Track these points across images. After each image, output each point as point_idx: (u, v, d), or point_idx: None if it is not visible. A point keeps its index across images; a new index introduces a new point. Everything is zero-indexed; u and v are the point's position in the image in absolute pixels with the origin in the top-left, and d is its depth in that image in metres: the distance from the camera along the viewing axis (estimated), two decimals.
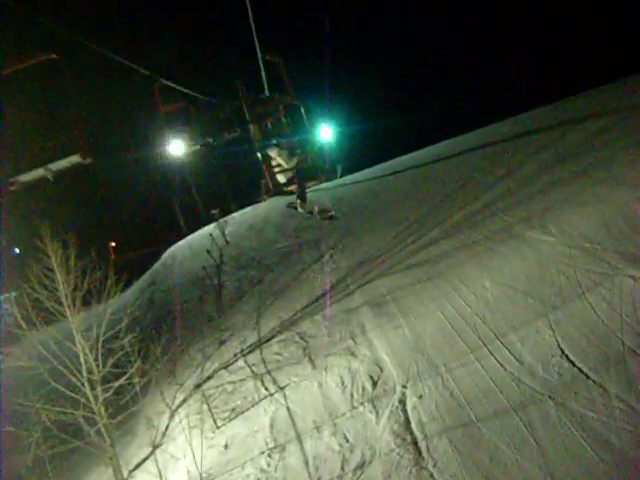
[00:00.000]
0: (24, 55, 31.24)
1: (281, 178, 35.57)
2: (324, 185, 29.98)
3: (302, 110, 35.86)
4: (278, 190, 33.90)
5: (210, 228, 26.20)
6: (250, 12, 25.74)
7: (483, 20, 43.17)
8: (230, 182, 39.91)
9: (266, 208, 26.89)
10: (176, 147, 32.38)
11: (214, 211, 28.43)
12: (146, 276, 25.45)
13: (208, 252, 19.99)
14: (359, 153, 39.33)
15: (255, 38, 25.93)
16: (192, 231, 31.12)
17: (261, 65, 29.48)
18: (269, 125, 35.24)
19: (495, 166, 18.43)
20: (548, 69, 39.51)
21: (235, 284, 17.71)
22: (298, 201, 26.82)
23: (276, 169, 35.52)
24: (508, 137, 22.03)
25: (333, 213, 23.08)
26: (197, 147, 34.14)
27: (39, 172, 30.18)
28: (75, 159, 29.53)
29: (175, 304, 18.49)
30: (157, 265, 25.98)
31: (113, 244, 45.83)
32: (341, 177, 33.08)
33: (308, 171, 36.17)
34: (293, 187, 35.46)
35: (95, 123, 39.04)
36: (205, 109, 35.18)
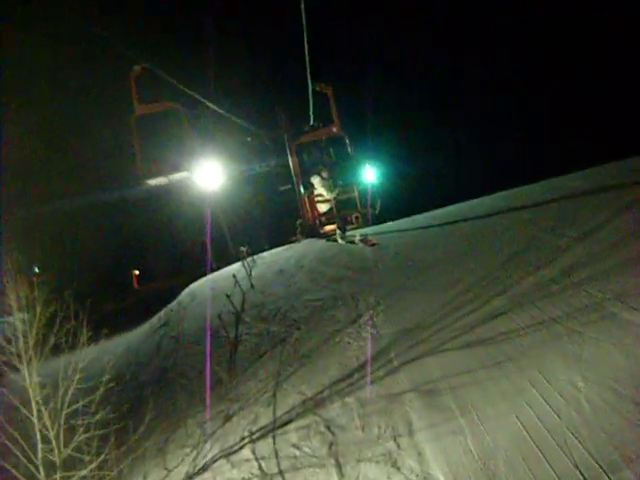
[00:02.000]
0: None
1: (322, 208, 34.31)
2: (362, 230, 27.35)
3: (347, 142, 34.00)
4: (315, 229, 31.84)
5: (236, 267, 23.86)
6: (305, 40, 23.80)
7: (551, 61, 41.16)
8: (264, 217, 38.40)
9: (300, 251, 24.25)
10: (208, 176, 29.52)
11: (243, 248, 26.16)
12: (161, 314, 23.06)
13: (228, 297, 17.38)
14: (404, 198, 37.40)
15: (308, 68, 24.08)
16: (220, 266, 29.13)
17: (310, 95, 27.37)
18: (311, 156, 33.79)
19: (568, 226, 15.57)
20: (618, 122, 36.96)
21: (253, 340, 15.01)
22: (338, 232, 27.25)
23: (318, 198, 34.06)
24: (579, 193, 19.22)
25: (375, 241, 22.56)
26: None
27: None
28: None
29: (182, 356, 15.94)
30: (174, 303, 23.57)
31: (137, 272, 43.86)
32: (380, 217, 31.75)
33: (348, 203, 34.71)
34: (330, 228, 33.64)
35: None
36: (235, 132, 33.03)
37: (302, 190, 32.72)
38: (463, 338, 11.02)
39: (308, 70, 24.99)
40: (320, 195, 34.08)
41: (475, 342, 10.68)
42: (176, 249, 43.38)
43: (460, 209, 24.20)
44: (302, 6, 21.09)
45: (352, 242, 24.15)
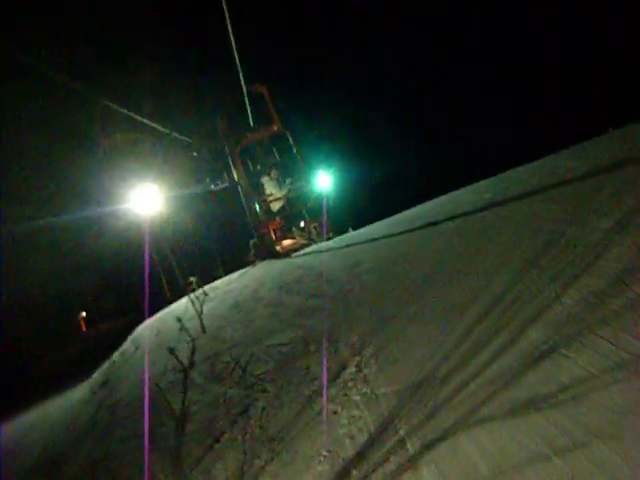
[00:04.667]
0: None
1: (274, 206, 34.30)
2: (328, 243, 23.87)
3: (290, 139, 32.36)
4: (270, 247, 29.01)
5: (183, 304, 20.35)
6: (232, 39, 21.62)
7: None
8: (214, 239, 36.27)
9: (257, 276, 20.63)
10: (145, 202, 25.34)
11: (192, 278, 22.76)
12: (104, 367, 19.45)
13: (171, 352, 13.68)
14: (369, 200, 35.65)
15: (239, 67, 22.19)
16: (175, 298, 26.00)
17: (245, 96, 25.21)
18: (255, 159, 32.53)
19: (593, 216, 12.18)
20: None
21: (206, 412, 11.20)
22: (294, 229, 30.14)
23: (269, 198, 34.07)
24: (583, 174, 15.93)
25: (331, 235, 23.82)
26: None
27: None
28: None
29: (116, 441, 12.16)
30: (117, 354, 19.94)
31: (84, 314, 40.56)
32: (339, 226, 30.91)
33: (299, 201, 35.30)
34: (288, 244, 31.55)
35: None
36: (174, 149, 30.13)
37: (257, 207, 30.76)
38: (506, 397, 7.34)
39: (240, 71, 23.27)
40: (271, 194, 33.97)
41: (527, 404, 7.02)
42: (123, 284, 40.18)
43: (438, 206, 20.70)
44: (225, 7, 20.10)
45: (312, 240, 26.75)
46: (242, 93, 26.12)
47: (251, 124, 30.46)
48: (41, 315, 36.89)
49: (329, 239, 23.63)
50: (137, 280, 37.03)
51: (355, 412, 8.71)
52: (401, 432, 7.67)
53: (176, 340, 16.17)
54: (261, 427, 9.65)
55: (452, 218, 17.51)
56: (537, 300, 9.48)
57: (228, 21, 21.20)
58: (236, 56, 22.32)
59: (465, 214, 17.27)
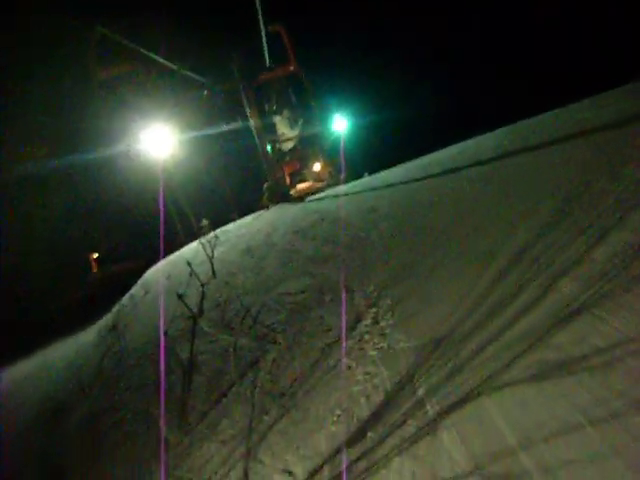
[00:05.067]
0: None
1: (285, 146, 34.47)
2: (344, 188, 23.26)
3: (305, 79, 31.94)
4: (284, 191, 28.38)
5: (194, 248, 19.89)
6: None
7: None
8: (228, 182, 35.44)
9: (270, 221, 20.09)
10: (157, 144, 24.47)
11: (205, 221, 22.31)
12: (114, 310, 19.10)
13: (180, 297, 13.25)
14: (386, 145, 34.88)
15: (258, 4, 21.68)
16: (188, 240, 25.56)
17: (263, 34, 24.35)
18: (270, 101, 31.89)
19: (623, 165, 11.49)
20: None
21: (215, 363, 10.78)
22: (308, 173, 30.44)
23: (281, 138, 34.05)
24: (609, 123, 15.18)
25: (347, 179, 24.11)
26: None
27: None
28: None
29: (121, 391, 11.81)
30: (126, 297, 19.55)
31: (95, 256, 40.29)
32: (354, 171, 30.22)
33: (312, 142, 35.06)
34: (302, 187, 30.97)
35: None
36: (186, 89, 29.37)
37: (269, 148, 30.20)
38: (533, 358, 6.80)
39: (259, 8, 22.44)
40: (283, 134, 33.84)
41: (557, 367, 6.51)
42: (135, 225, 39.83)
43: (459, 152, 19.98)
44: None
45: (327, 184, 27.03)
46: (259, 31, 25.39)
47: (267, 64, 29.61)
48: (51, 256, 36.64)
49: (345, 183, 23.16)
50: (150, 222, 36.69)
51: (371, 368, 8.24)
52: (420, 392, 7.19)
53: (186, 285, 15.76)
54: (271, 381, 9.22)
55: (473, 165, 16.85)
56: (566, 254, 8.90)
57: None
58: None
59: (487, 161, 16.59)
